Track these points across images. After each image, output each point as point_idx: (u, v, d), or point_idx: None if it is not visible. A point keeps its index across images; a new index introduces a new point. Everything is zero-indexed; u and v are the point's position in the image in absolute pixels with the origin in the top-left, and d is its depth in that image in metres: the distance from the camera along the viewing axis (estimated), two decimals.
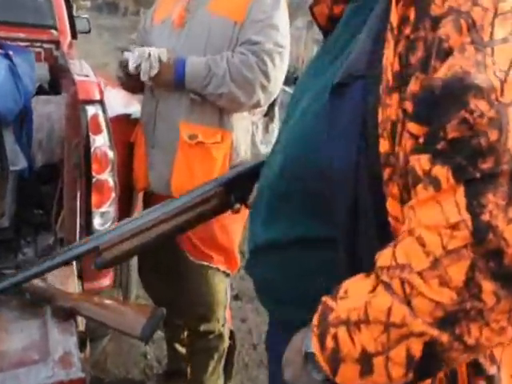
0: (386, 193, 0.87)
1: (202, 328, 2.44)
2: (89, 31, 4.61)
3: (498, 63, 0.76)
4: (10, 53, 2.29)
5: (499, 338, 0.77)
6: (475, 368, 0.86)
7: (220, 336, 2.48)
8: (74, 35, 3.93)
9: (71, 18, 4.00)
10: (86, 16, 4.91)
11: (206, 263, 2.29)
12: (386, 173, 0.86)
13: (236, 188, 1.33)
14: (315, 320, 0.91)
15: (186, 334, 2.61)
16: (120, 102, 3.09)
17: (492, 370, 0.88)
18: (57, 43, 3.45)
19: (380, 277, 0.83)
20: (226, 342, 2.51)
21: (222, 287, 2.39)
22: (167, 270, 2.44)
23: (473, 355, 0.82)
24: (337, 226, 0.93)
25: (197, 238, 2.25)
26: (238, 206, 1.34)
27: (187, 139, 2.13)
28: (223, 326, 2.47)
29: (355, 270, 0.91)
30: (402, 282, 0.79)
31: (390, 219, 0.88)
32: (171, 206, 1.32)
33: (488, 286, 0.73)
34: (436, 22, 0.81)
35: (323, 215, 0.97)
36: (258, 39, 2.08)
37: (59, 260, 1.40)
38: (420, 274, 0.77)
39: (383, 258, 0.84)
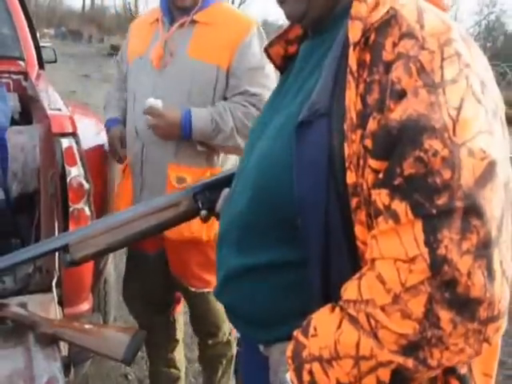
0: (354, 220, 0.93)
1: (210, 342, 2.57)
2: (55, 61, 4.65)
3: (450, 101, 0.83)
4: None
5: (459, 358, 0.84)
6: (448, 367, 0.91)
7: (227, 343, 2.59)
8: (41, 65, 3.98)
9: (38, 48, 4.05)
10: (50, 45, 4.96)
11: (206, 290, 2.34)
12: (354, 202, 0.92)
13: (204, 196, 1.37)
14: (289, 352, 0.98)
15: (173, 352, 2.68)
16: (91, 131, 3.14)
17: (463, 370, 0.94)
18: (25, 74, 3.49)
19: (347, 310, 0.89)
20: (234, 349, 2.59)
21: None
22: (160, 301, 2.52)
23: (436, 372, 0.89)
24: (309, 251, 0.99)
25: (196, 265, 2.30)
26: (204, 212, 1.37)
27: (175, 183, 2.16)
28: (230, 334, 2.57)
29: (327, 289, 0.98)
30: (368, 316, 0.86)
31: (358, 243, 0.93)
32: (141, 208, 1.36)
33: (445, 315, 0.80)
34: (388, 66, 0.87)
35: (293, 240, 1.02)
36: (255, 91, 2.13)
37: (26, 256, 1.37)
38: (383, 308, 0.84)
39: (349, 291, 0.90)
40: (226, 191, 1.35)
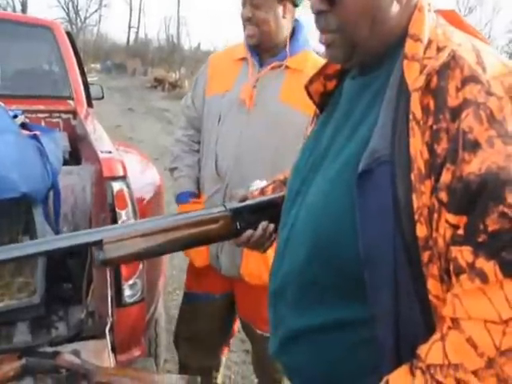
0: (425, 274, 0.88)
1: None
2: (102, 97, 4.72)
3: None
4: (37, 133, 2.36)
5: None
6: None
7: None
8: (89, 103, 4.03)
9: (86, 86, 4.12)
10: (97, 79, 5.05)
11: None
12: (426, 255, 0.87)
13: (242, 219, 1.34)
14: None
15: None
16: (135, 168, 3.15)
17: None
18: (74, 113, 3.55)
19: (434, 375, 0.84)
20: None
21: None
22: (213, 344, 2.49)
23: None
24: (378, 305, 0.93)
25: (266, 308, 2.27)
26: (246, 235, 1.34)
27: None
28: None
29: (398, 344, 0.92)
30: (458, 382, 0.81)
31: (430, 297, 0.89)
32: (179, 218, 1.30)
33: None
34: (455, 113, 0.84)
35: (358, 296, 0.96)
36: None
37: (58, 245, 1.22)
38: (475, 373, 0.79)
39: (433, 354, 0.85)
40: (264, 224, 1.34)
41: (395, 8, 0.98)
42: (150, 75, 30.48)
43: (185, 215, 1.32)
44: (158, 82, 25.84)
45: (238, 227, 1.34)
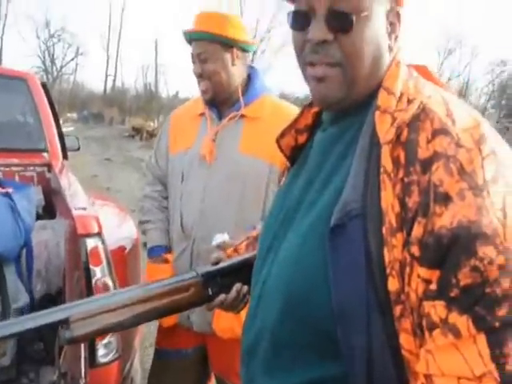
0: (398, 328, 0.87)
1: None
2: (78, 149, 4.70)
3: (495, 203, 0.81)
4: (10, 190, 2.32)
5: None
6: None
7: None
8: (64, 155, 4.00)
9: (62, 138, 4.09)
10: (73, 129, 5.03)
11: None
12: (398, 310, 0.86)
13: (215, 283, 1.31)
14: None
15: None
16: (112, 221, 3.11)
17: None
18: (49, 166, 3.52)
19: None
20: None
21: None
22: None
23: None
24: (351, 363, 0.91)
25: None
26: (219, 300, 1.30)
27: None
28: None
29: None
30: None
31: (403, 352, 0.87)
32: (148, 288, 1.26)
33: None
34: (425, 166, 0.84)
35: (334, 354, 0.93)
36: None
37: (23, 328, 1.14)
38: None
39: None
40: (238, 286, 1.31)
41: (386, 57, 1.00)
42: (127, 124, 30.59)
43: (154, 285, 1.28)
44: (136, 131, 25.89)
45: (211, 293, 1.31)
